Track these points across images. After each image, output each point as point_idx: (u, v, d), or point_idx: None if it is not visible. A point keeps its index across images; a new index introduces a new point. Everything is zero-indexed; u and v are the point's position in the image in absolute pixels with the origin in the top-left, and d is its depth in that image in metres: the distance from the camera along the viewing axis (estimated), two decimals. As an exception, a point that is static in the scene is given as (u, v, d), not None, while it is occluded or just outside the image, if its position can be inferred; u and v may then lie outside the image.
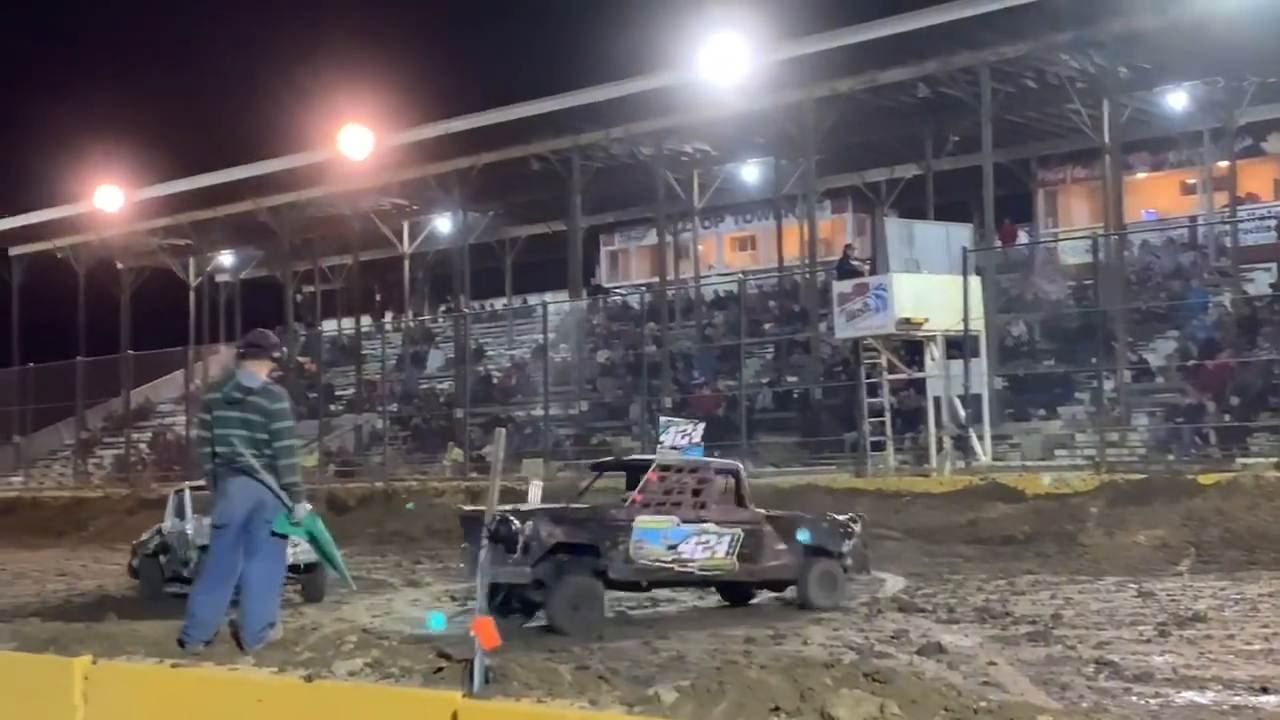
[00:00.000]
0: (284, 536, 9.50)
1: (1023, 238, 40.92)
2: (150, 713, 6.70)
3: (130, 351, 48.26)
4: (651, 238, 46.78)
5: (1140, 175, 41.63)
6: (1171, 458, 26.08)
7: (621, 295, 47.70)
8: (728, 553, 14.65)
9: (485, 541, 8.51)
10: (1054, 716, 6.08)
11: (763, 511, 15.48)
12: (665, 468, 14.74)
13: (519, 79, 58.75)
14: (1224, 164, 37.83)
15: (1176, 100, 36.61)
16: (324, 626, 9.87)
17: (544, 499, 13.85)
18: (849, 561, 15.52)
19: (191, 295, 54.66)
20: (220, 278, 58.33)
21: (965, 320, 26.07)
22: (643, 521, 14.17)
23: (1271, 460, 23.38)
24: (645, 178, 40.85)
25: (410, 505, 29.15)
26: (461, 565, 15.18)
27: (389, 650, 8.03)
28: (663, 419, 16.45)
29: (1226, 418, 26.89)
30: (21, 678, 7.48)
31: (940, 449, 27.05)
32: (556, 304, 41.76)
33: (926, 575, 18.02)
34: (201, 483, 17.38)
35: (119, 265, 53.51)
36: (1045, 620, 13.19)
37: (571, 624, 13.25)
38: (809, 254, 36.97)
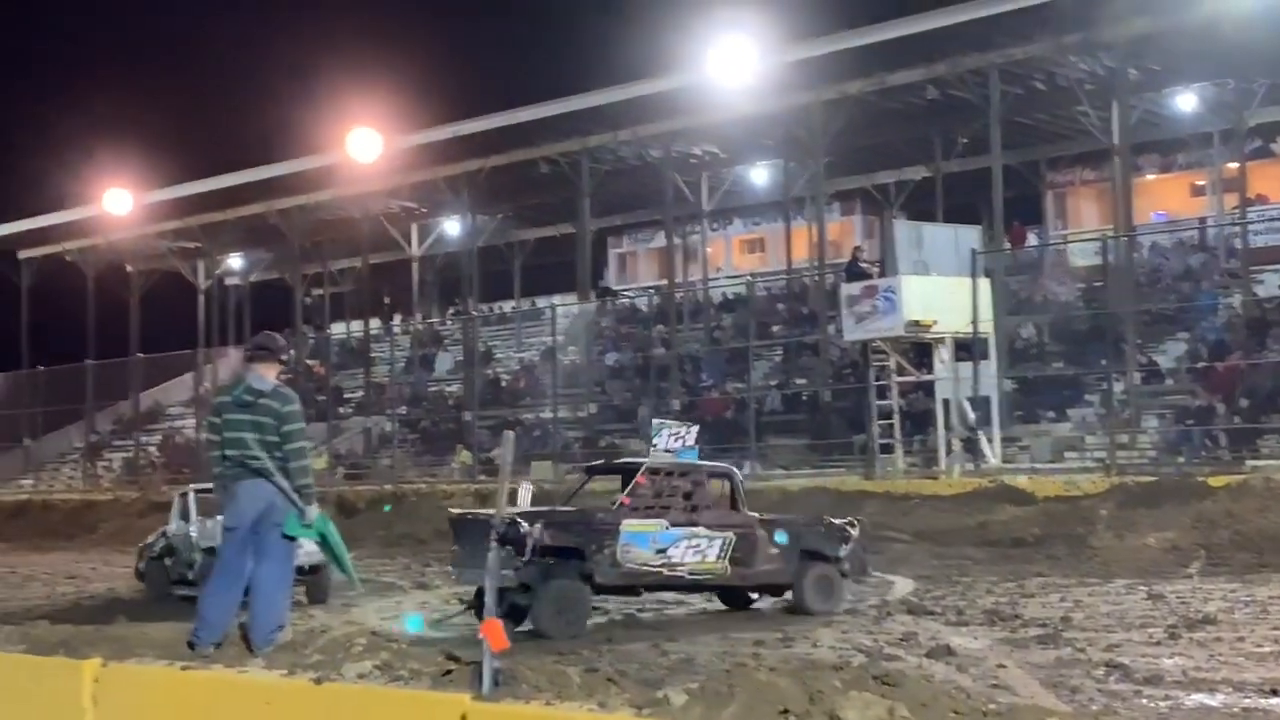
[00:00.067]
0: (294, 538, 9.51)
1: (1032, 240, 40.82)
2: (160, 715, 6.70)
3: (139, 354, 48.30)
4: (660, 240, 46.74)
5: (1150, 177, 41.56)
6: (1181, 460, 26.01)
7: (630, 298, 47.68)
8: (719, 557, 14.49)
9: (494, 543, 8.50)
10: (1063, 719, 6.07)
11: (756, 515, 15.32)
12: (655, 471, 14.60)
13: (527, 82, 58.77)
14: (1234, 165, 37.78)
15: (1186, 102, 36.55)
16: (333, 629, 9.88)
17: (547, 502, 13.82)
18: (846, 566, 15.34)
19: (201, 298, 54.74)
20: (229, 281, 58.37)
21: (974, 322, 26.05)
22: (630, 525, 14.03)
23: (1282, 462, 23.36)
24: (654, 180, 40.86)
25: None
26: (451, 568, 14.97)
27: (398, 653, 8.04)
28: (655, 421, 16.29)
29: (1236, 420, 26.82)
30: (31, 680, 7.49)
31: (949, 451, 27.02)
32: (565, 306, 41.79)
33: (936, 578, 18.01)
34: (206, 485, 17.52)
35: (128, 268, 53.62)
36: (1055, 623, 13.17)
37: (555, 627, 13.11)
38: (818, 256, 36.97)
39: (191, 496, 18.73)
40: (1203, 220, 39.30)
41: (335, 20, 76.68)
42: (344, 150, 41.01)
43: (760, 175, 45.29)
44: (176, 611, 15.27)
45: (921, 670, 10.02)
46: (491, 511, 14.37)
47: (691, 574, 14.45)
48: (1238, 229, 35.77)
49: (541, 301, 48.79)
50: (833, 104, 34.35)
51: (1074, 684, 9.89)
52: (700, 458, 15.55)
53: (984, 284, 26.89)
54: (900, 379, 27.68)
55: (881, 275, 27.81)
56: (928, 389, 28.26)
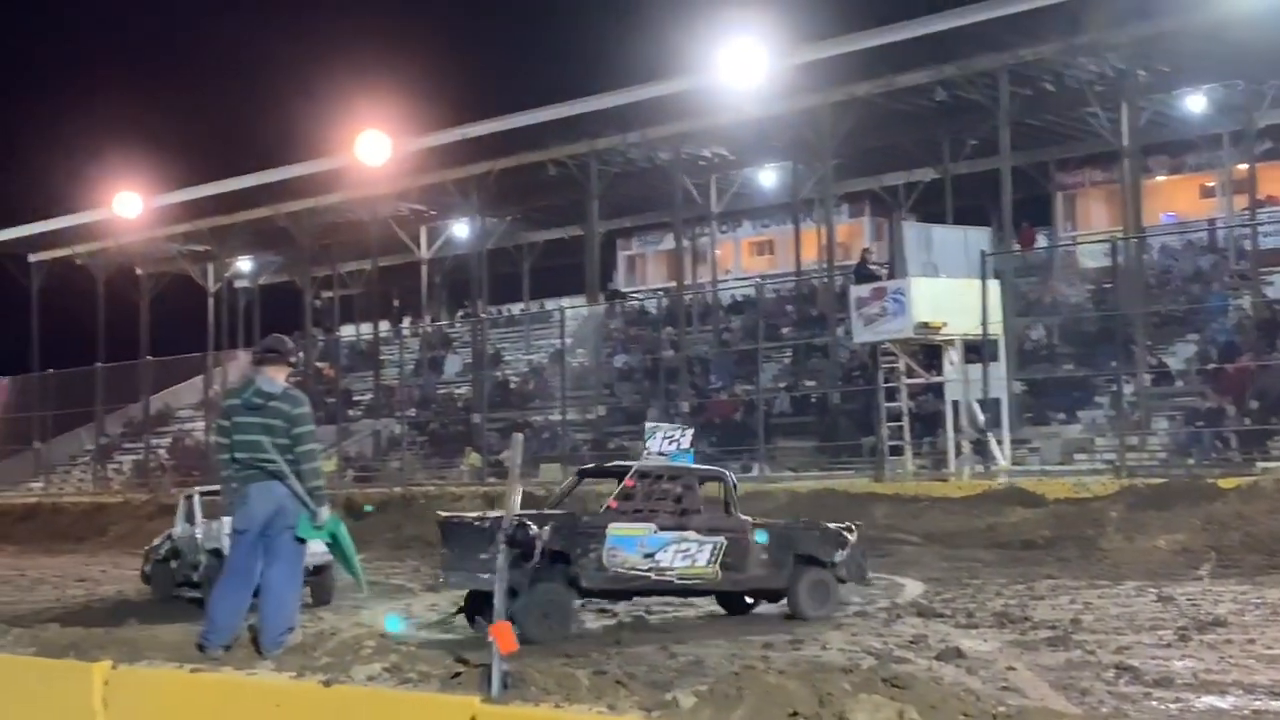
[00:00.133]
0: (304, 540, 9.52)
1: (1041, 241, 40.83)
2: (170, 718, 6.71)
3: (149, 357, 48.40)
4: (669, 242, 46.78)
5: (1159, 178, 41.49)
6: (1191, 462, 25.99)
7: (639, 300, 47.70)
8: (709, 561, 14.30)
9: (502, 545, 8.49)
10: (1073, 722, 6.06)
11: (749, 519, 15.09)
12: (644, 474, 14.43)
13: (536, 84, 58.89)
14: (1243, 167, 37.72)
15: (1195, 103, 36.51)
16: (342, 631, 9.89)
17: (538, 506, 13.72)
18: (842, 571, 15.12)
19: (210, 301, 54.82)
20: (239, 283, 58.49)
21: (984, 324, 26.02)
22: (617, 529, 13.86)
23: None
24: (663, 182, 40.87)
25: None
26: (439, 572, 14.81)
27: (407, 655, 8.03)
28: (648, 424, 16.18)
29: (1247, 421, 26.80)
30: (42, 683, 7.50)
31: (959, 453, 27.01)
32: (574, 309, 41.81)
33: (945, 580, 17.99)
34: (213, 487, 17.55)
35: (138, 271, 53.71)
36: (1065, 625, 13.15)
37: (539, 632, 12.82)
38: (826, 258, 36.94)
39: (196, 499, 18.77)
40: (1212, 222, 39.25)
41: (344, 24, 76.89)
42: (353, 153, 41.04)
43: (769, 177, 45.27)
44: (186, 614, 15.29)
45: (931, 673, 10.01)
46: (478, 515, 14.36)
47: (681, 579, 14.26)
48: (1247, 230, 35.74)
49: (550, 304, 48.84)
50: (841, 106, 34.34)
51: (1084, 686, 9.87)
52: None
53: (993, 286, 26.86)
54: (909, 381, 27.65)
55: (890, 277, 27.77)
56: (937, 391, 28.26)
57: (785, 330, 39.63)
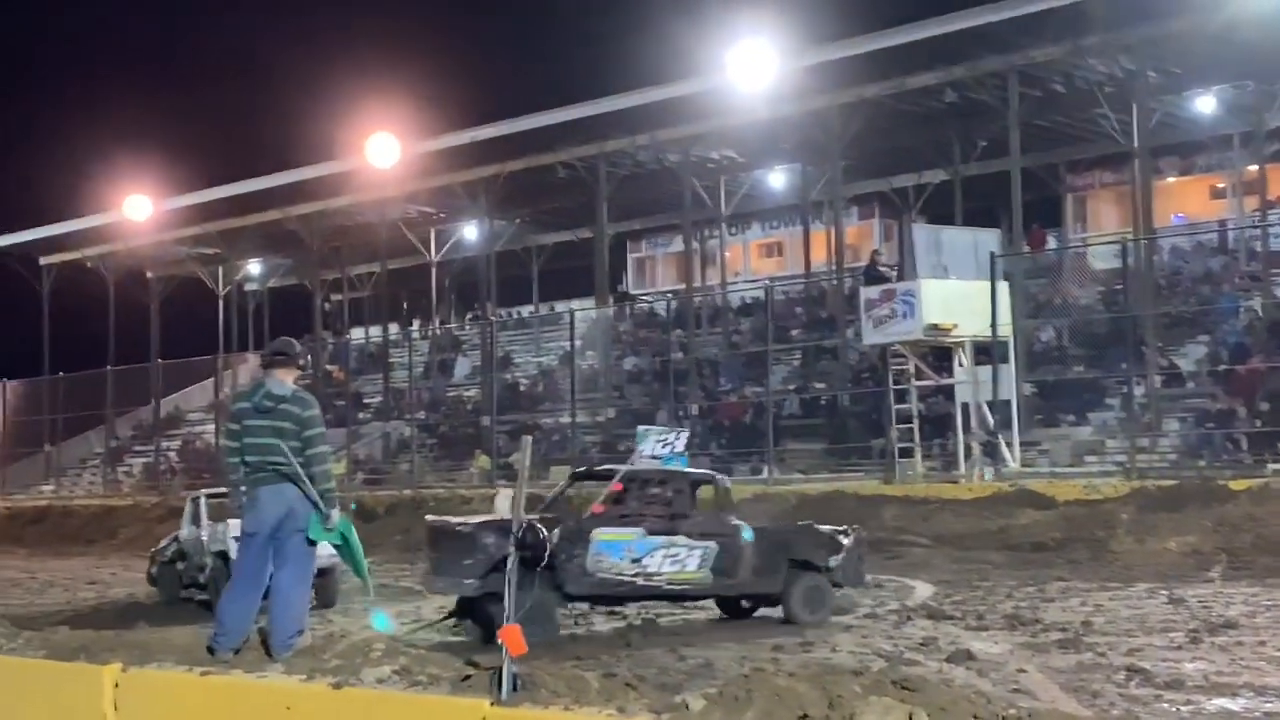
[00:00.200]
0: (315, 543, 9.53)
1: (1051, 243, 40.76)
2: (180, 720, 6.72)
3: (159, 360, 48.52)
4: (678, 244, 46.74)
5: (1169, 180, 41.43)
6: (1202, 463, 25.93)
7: (648, 302, 47.71)
8: (699, 566, 14.07)
9: (513, 549, 8.49)
10: (1084, 724, 6.05)
11: (741, 523, 14.78)
12: (632, 478, 14.20)
13: (545, 87, 58.79)
14: (1254, 168, 37.66)
15: (1205, 104, 36.44)
16: (352, 634, 9.89)
17: (529, 509, 13.58)
18: (838, 576, 14.91)
19: (220, 304, 54.93)
20: (249, 286, 58.58)
21: (994, 326, 25.98)
22: (603, 534, 13.66)
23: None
24: (672, 184, 40.87)
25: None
26: (425, 577, 14.65)
27: (417, 658, 8.04)
28: (641, 428, 15.95)
29: (1258, 423, 26.73)
30: (52, 686, 7.52)
31: (969, 455, 26.97)
32: (583, 311, 41.79)
33: (955, 582, 17.97)
34: (219, 490, 17.57)
35: (148, 274, 53.84)
36: (1075, 627, 13.13)
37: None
38: (836, 260, 36.92)
39: (203, 501, 18.82)
40: (1223, 223, 39.19)
41: (353, 27, 76.96)
42: (362, 156, 41.08)
43: (778, 179, 45.25)
44: (196, 617, 15.33)
45: (941, 675, 10.00)
46: (461, 521, 14.28)
47: (670, 584, 14.05)
48: (1258, 232, 35.68)
49: (560, 306, 48.82)
50: (850, 107, 34.33)
51: (1095, 689, 9.86)
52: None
53: (1003, 287, 26.81)
54: (919, 383, 27.63)
55: (900, 279, 27.75)
56: (947, 393, 28.24)
57: (795, 332, 39.61)
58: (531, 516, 14.58)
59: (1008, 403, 26.90)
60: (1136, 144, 32.29)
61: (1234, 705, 9.25)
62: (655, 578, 13.93)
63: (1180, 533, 20.52)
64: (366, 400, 46.16)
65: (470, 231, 50.04)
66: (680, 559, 14.01)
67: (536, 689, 6.67)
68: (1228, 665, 10.80)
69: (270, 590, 9.35)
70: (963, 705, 5.88)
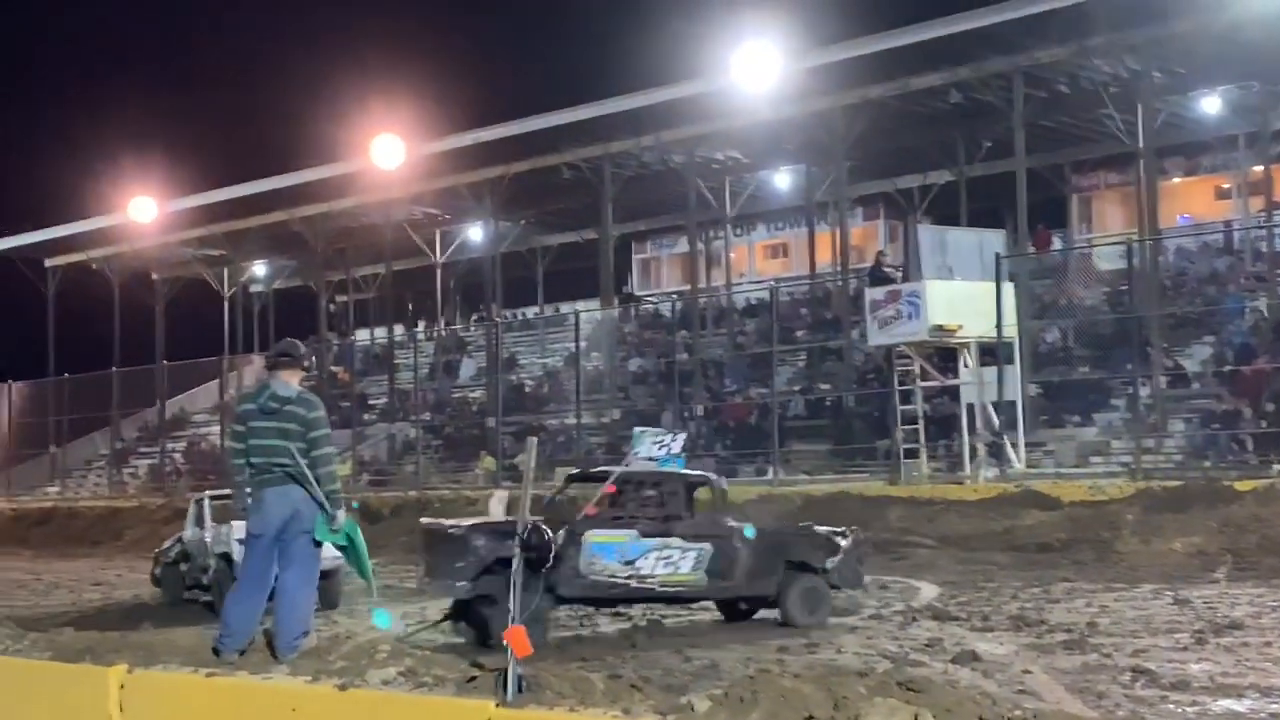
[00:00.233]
0: (320, 544, 9.53)
1: (1056, 244, 40.75)
2: (185, 721, 6.73)
3: (165, 361, 48.56)
4: (683, 246, 46.77)
5: (1175, 180, 41.39)
6: (1208, 464, 25.92)
7: (653, 303, 47.74)
8: (694, 568, 14.00)
9: (518, 550, 8.49)
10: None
11: (737, 525, 14.66)
12: (626, 480, 14.02)
13: (550, 88, 58.88)
14: (1259, 169, 37.62)
15: (1211, 105, 36.39)
16: (357, 635, 9.90)
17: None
18: (834, 577, 14.79)
19: (225, 305, 54.95)
20: (254, 288, 58.62)
21: (999, 327, 25.98)
22: (595, 536, 13.58)
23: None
24: (677, 185, 40.88)
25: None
26: (422, 579, 14.60)
27: (422, 659, 8.04)
28: (637, 429, 15.82)
29: (1263, 424, 26.72)
30: (58, 687, 7.53)
31: (974, 456, 26.96)
32: (588, 312, 41.80)
33: (961, 583, 17.96)
34: (223, 491, 17.58)
35: (153, 276, 53.90)
36: (1081, 628, 13.12)
37: None
38: (841, 261, 36.91)
39: (206, 502, 18.87)
40: (1228, 224, 39.16)
41: (358, 28, 77.02)
42: (367, 157, 41.09)
43: (783, 180, 45.24)
44: (201, 618, 15.34)
45: (947, 676, 10.00)
46: (453, 523, 14.26)
47: (663, 586, 13.97)
48: (1263, 232, 35.64)
49: (565, 307, 48.87)
50: (855, 108, 34.33)
51: (1100, 690, 9.85)
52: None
53: (1008, 288, 26.81)
54: (924, 384, 27.61)
55: (905, 280, 27.72)
56: (952, 394, 28.22)
57: (800, 333, 39.61)
58: (490, 520, 14.54)
59: (1013, 404, 26.90)
60: (1141, 144, 32.27)
61: (1239, 706, 9.24)
62: (648, 580, 13.87)
63: (1185, 534, 20.50)
64: (371, 401, 46.20)
65: (475, 233, 50.05)
66: (674, 561, 13.95)
67: (542, 690, 6.67)
68: (1233, 666, 10.79)
69: (275, 592, 9.35)
70: (968, 706, 5.87)
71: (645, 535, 13.92)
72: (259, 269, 57.02)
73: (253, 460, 9.44)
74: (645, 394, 38.88)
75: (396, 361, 46.70)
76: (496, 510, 14.15)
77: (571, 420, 36.42)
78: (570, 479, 16.12)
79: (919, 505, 24.75)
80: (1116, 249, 34.40)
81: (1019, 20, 30.07)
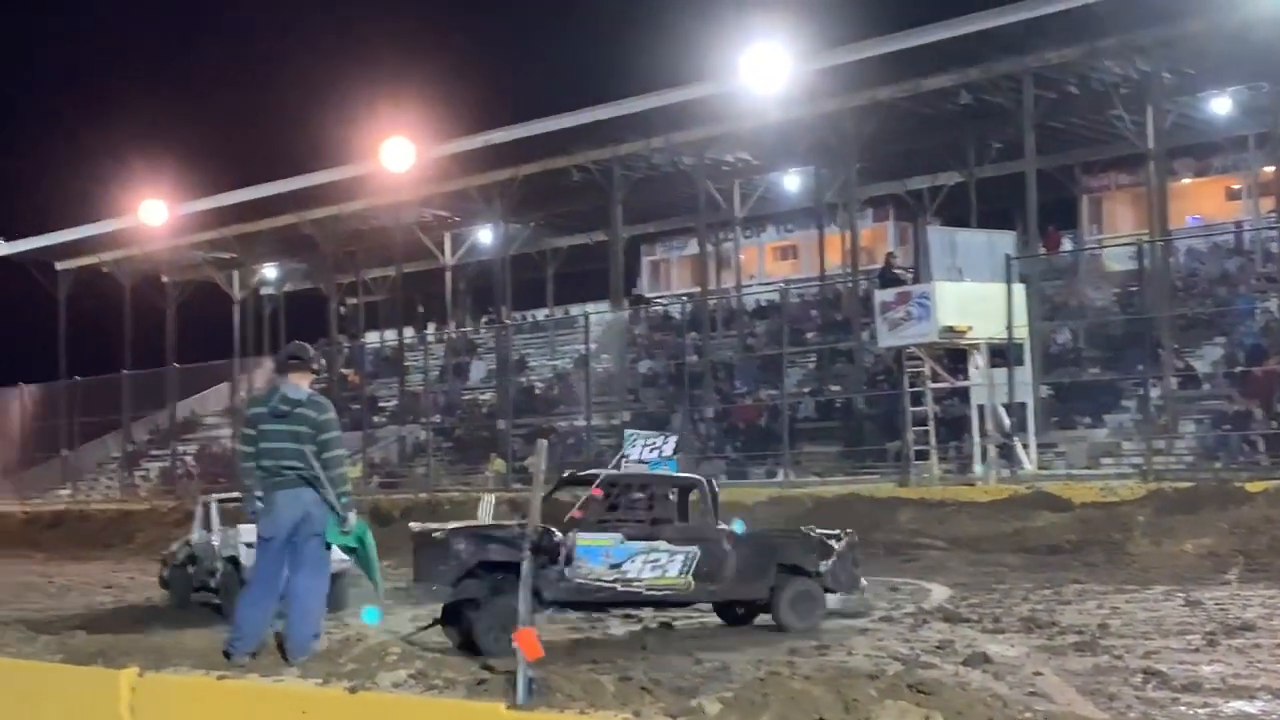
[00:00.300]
0: (330, 547, 9.54)
1: (1067, 245, 40.70)
2: (196, 724, 6.73)
3: (175, 364, 48.61)
4: (693, 247, 46.74)
5: (1185, 181, 41.33)
6: (1219, 465, 25.87)
7: (663, 305, 47.72)
8: (681, 572, 13.88)
9: (527, 553, 8.50)
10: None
11: (726, 528, 14.53)
12: (612, 483, 14.02)
13: (559, 90, 58.87)
14: (1270, 169, 37.54)
15: (1221, 105, 36.34)
16: (368, 638, 9.90)
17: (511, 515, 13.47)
18: (829, 580, 14.63)
19: (236, 308, 55.01)
20: (264, 291, 58.65)
21: (1009, 328, 25.96)
22: (581, 539, 13.49)
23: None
24: (686, 187, 40.89)
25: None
26: (413, 584, 14.58)
27: (433, 662, 8.05)
28: (628, 432, 15.73)
29: (1274, 425, 26.67)
30: (69, 690, 7.54)
31: (985, 458, 26.92)
32: (598, 314, 41.82)
33: (972, 585, 17.94)
34: (232, 494, 17.60)
35: (164, 279, 53.96)
36: (1092, 630, 13.09)
37: (495, 645, 12.06)
38: (851, 263, 36.91)
39: (214, 506, 18.91)
40: (1239, 224, 39.08)
41: (368, 31, 77.11)
42: (377, 160, 41.15)
43: (793, 182, 45.22)
44: (212, 620, 15.36)
45: (958, 678, 9.99)
46: (437, 527, 14.25)
47: (650, 589, 13.86)
48: (1274, 233, 35.57)
49: (575, 309, 48.83)
50: (865, 110, 34.31)
51: (1111, 691, 9.83)
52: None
53: (1019, 289, 26.78)
54: (935, 385, 27.59)
55: (915, 281, 27.73)
56: (963, 395, 28.20)
57: (810, 335, 39.58)
58: (510, 522, 14.52)
59: (1023, 405, 26.87)
60: (1152, 145, 32.22)
61: (1251, 708, 9.22)
62: (634, 583, 13.78)
63: (1197, 535, 20.47)
64: (382, 404, 46.24)
65: (485, 235, 50.09)
66: (661, 564, 13.85)
67: (552, 693, 6.68)
68: (1245, 668, 10.76)
69: (287, 594, 9.36)
70: (979, 709, 5.87)
71: (631, 538, 13.81)
72: (270, 272, 57.07)
73: (263, 463, 9.44)
74: (655, 396, 38.88)
75: (407, 364, 46.73)
76: (484, 514, 14.11)
77: (581, 422, 36.43)
78: (561, 482, 16.05)
79: (930, 507, 24.74)
80: (1127, 250, 34.35)
81: (1029, 21, 30.05)
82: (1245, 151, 38.85)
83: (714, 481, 15.48)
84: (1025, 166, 32.02)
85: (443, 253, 52.31)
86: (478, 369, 46.95)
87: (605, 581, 13.60)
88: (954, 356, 27.82)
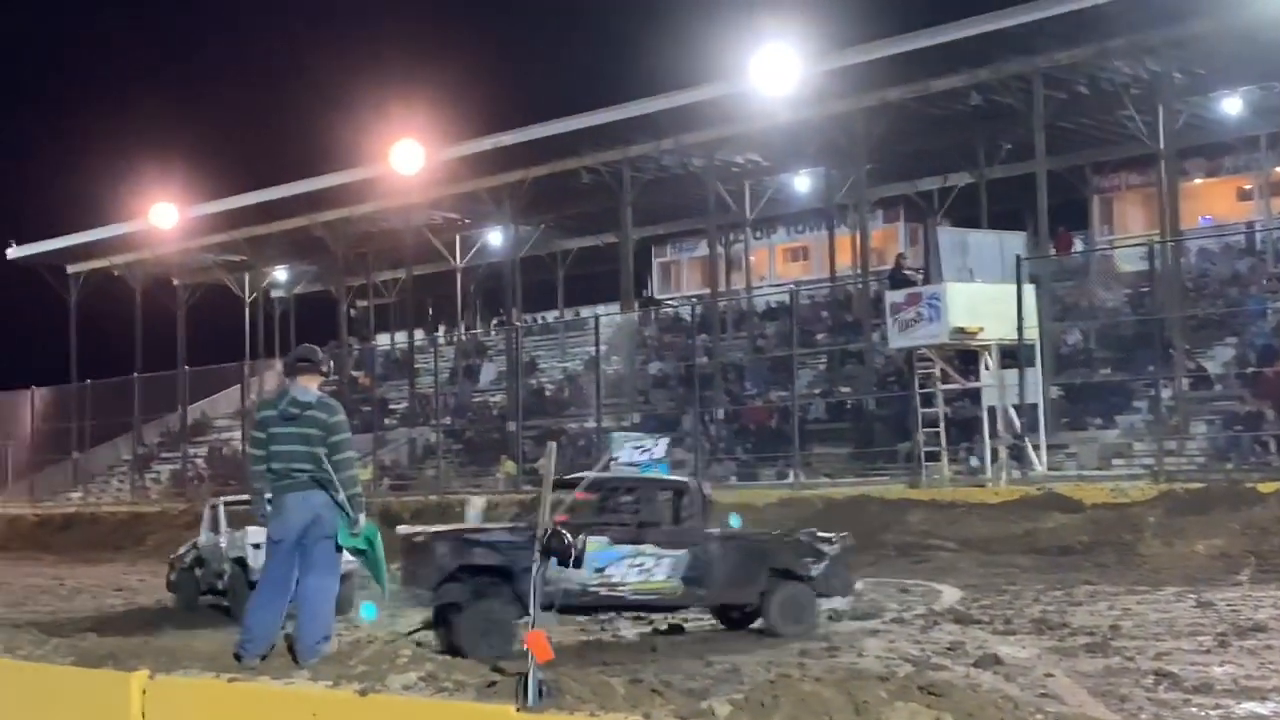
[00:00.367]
0: (341, 549, 9.54)
1: (1078, 245, 40.62)
2: (206, 727, 6.74)
3: (186, 367, 48.68)
4: (703, 249, 46.72)
5: (1196, 181, 41.19)
6: (1230, 466, 25.80)
7: (673, 307, 47.68)
8: (669, 576, 13.76)
9: (537, 554, 8.48)
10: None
11: (716, 531, 14.43)
12: (598, 486, 13.83)
13: (569, 92, 58.95)
14: (1281, 169, 37.47)
15: (1232, 105, 36.24)
16: (378, 640, 9.90)
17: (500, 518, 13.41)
18: (821, 585, 14.48)
19: (246, 311, 55.08)
20: (275, 293, 58.75)
21: (1020, 329, 25.91)
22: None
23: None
24: (696, 189, 40.86)
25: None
26: (405, 588, 14.51)
27: (443, 664, 8.05)
28: (616, 435, 15.56)
29: (1286, 425, 26.61)
30: (80, 692, 7.55)
31: (995, 459, 26.88)
32: (608, 316, 41.80)
33: (983, 586, 17.92)
34: (240, 496, 17.62)
35: (175, 282, 54.08)
36: (1103, 631, 13.08)
37: (477, 649, 11.94)
38: (861, 264, 36.85)
39: (221, 508, 18.94)
40: (1250, 225, 38.96)
41: (378, 34, 77.15)
42: (387, 162, 41.20)
43: (803, 183, 45.20)
44: (222, 623, 15.38)
45: (969, 680, 9.99)
46: (418, 530, 14.21)
47: (635, 594, 13.74)
48: (1286, 233, 35.48)
49: (585, 311, 48.81)
50: (875, 111, 34.26)
51: (1123, 693, 9.82)
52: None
53: (1029, 290, 26.73)
54: (945, 386, 27.55)
55: (925, 282, 27.66)
56: (973, 396, 28.14)
57: (820, 336, 39.55)
58: (494, 525, 14.44)
59: (1034, 406, 26.81)
60: (1162, 146, 32.17)
61: (1263, 709, 9.20)
62: (620, 588, 13.64)
63: (1208, 536, 20.44)
64: (392, 406, 46.26)
65: (495, 237, 50.09)
66: (647, 568, 13.72)
67: (562, 695, 6.67)
68: (1256, 669, 10.74)
69: (297, 597, 9.35)
70: (990, 710, 5.86)
71: (617, 542, 13.66)
72: (280, 274, 57.15)
73: (273, 466, 9.43)
74: (665, 398, 38.86)
75: (417, 366, 46.74)
76: (473, 517, 14.06)
77: (592, 424, 36.42)
78: (553, 485, 15.92)
79: (940, 508, 24.72)
80: (1138, 250, 34.26)
81: (1038, 22, 29.99)
82: (1257, 151, 38.74)
83: (704, 484, 15.39)
84: (1036, 167, 31.99)
85: (453, 255, 52.34)
86: (488, 371, 46.94)
87: (590, 585, 13.38)
88: (965, 358, 27.79)
